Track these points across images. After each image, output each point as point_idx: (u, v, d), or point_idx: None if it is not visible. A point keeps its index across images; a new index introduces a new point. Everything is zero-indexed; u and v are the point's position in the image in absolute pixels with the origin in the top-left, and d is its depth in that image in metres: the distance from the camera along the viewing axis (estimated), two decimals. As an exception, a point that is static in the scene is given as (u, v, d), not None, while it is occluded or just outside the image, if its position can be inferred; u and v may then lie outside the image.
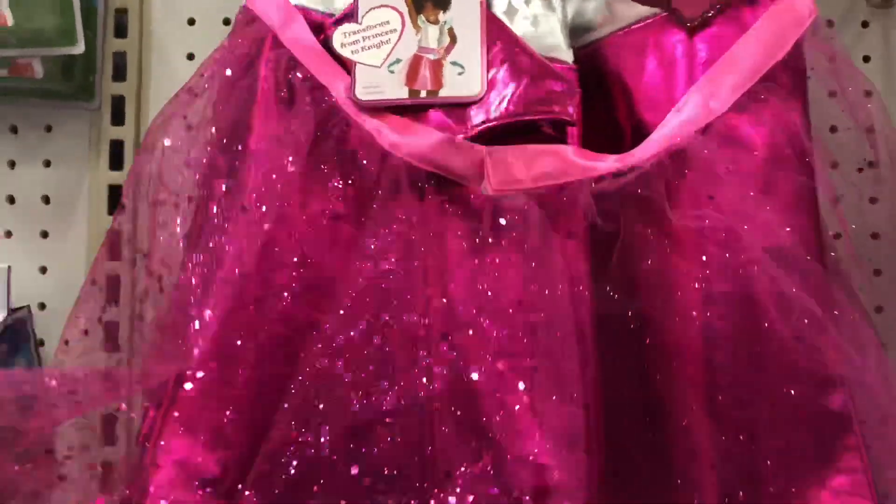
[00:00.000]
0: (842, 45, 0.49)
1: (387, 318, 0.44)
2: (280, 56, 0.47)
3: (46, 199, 0.66)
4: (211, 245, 0.45)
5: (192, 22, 0.67)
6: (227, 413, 0.45)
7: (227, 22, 0.67)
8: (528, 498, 0.43)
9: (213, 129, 0.48)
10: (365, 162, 0.45)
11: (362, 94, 0.45)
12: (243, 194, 0.45)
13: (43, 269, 0.66)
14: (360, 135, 0.45)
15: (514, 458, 0.44)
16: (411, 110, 0.46)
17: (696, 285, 0.43)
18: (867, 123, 0.49)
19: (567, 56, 0.48)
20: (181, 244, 0.47)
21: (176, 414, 0.45)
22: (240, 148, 0.47)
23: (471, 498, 0.43)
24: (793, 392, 0.44)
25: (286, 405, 0.44)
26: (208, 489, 0.45)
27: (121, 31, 0.67)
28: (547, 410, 0.44)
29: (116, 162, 0.66)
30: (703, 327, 0.44)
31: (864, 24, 0.70)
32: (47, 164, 0.67)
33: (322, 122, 0.45)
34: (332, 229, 0.45)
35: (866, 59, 0.69)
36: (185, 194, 0.48)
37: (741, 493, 0.43)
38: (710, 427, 0.44)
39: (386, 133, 0.45)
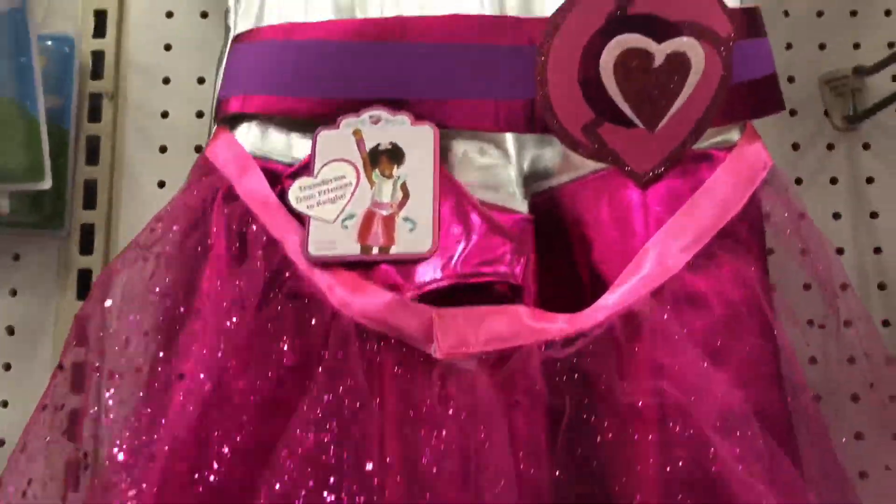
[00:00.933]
0: (799, 198, 0.49)
1: (326, 493, 0.42)
2: (234, 209, 0.47)
3: (11, 330, 0.66)
4: (145, 415, 0.44)
5: (163, 149, 0.68)
6: None
7: (198, 149, 0.68)
8: None
9: (158, 290, 0.47)
10: (314, 321, 0.44)
11: (314, 249, 0.45)
12: (184, 360, 0.44)
13: (4, 403, 0.65)
14: (311, 292, 0.45)
15: None
16: (362, 265, 0.46)
17: (642, 468, 0.42)
18: (831, 281, 0.48)
19: (522, 206, 0.48)
20: (112, 415, 0.46)
21: None
22: (183, 310, 0.46)
23: None
24: None
25: None
26: None
27: (92, 158, 0.68)
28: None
29: (84, 292, 0.66)
30: (658, 494, 0.42)
31: (830, 147, 0.71)
32: (13, 293, 0.66)
33: (272, 278, 0.45)
34: (275, 393, 0.44)
35: (833, 180, 0.70)
36: (123, 360, 0.47)
37: None
38: None
39: (337, 291, 0.44)
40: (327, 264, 0.45)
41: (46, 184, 0.60)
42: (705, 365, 0.42)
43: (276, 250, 0.46)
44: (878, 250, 0.69)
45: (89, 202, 0.67)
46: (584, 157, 0.46)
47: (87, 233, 0.67)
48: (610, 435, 0.42)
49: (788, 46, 0.71)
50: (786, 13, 0.72)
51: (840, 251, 0.69)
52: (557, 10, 0.44)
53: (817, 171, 0.70)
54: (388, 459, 0.43)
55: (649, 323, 0.43)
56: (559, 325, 0.44)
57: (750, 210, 0.46)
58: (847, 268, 0.68)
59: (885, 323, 0.68)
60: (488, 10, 0.50)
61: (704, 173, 0.46)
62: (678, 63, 0.44)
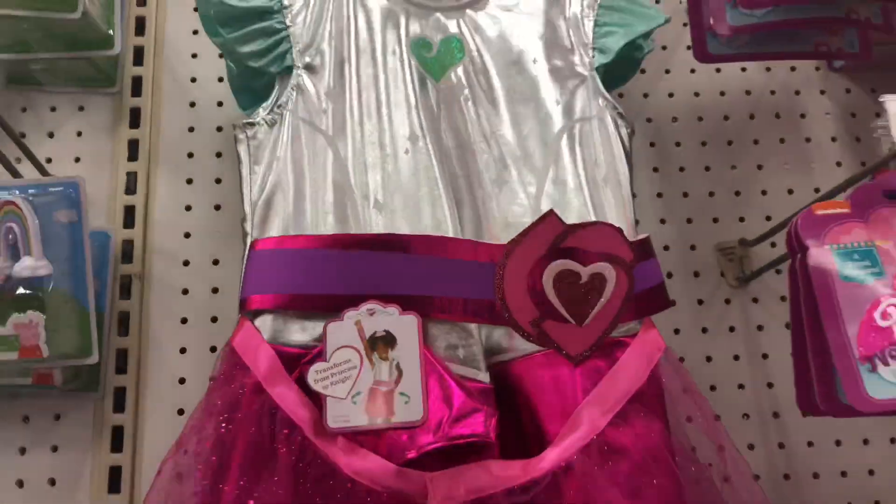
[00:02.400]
0: (687, 372, 0.65)
1: None
2: (263, 402, 0.60)
3: (53, 482, 0.76)
4: None
5: (184, 321, 0.81)
6: None
7: (214, 319, 0.81)
8: None
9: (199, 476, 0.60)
10: (333, 489, 0.57)
11: (332, 422, 0.59)
12: None
13: (52, 544, 0.75)
14: (331, 469, 0.58)
15: None
16: (372, 433, 0.59)
17: None
18: (719, 442, 0.63)
19: (485, 377, 0.62)
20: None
21: None
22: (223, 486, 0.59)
23: None
24: None
25: None
26: None
27: (123, 330, 0.81)
28: None
29: (117, 445, 0.78)
30: None
31: (727, 301, 0.88)
32: (55, 448, 0.77)
33: (299, 457, 0.58)
34: None
35: (731, 328, 0.87)
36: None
37: None
38: None
39: (350, 462, 0.58)
40: (343, 434, 0.59)
41: (94, 359, 0.72)
42: (624, 502, 0.57)
43: (297, 433, 0.59)
44: (770, 385, 0.85)
45: (121, 367, 0.80)
46: (532, 343, 0.61)
47: (120, 394, 0.79)
48: None
49: (689, 221, 0.89)
50: (685, 194, 0.90)
51: (741, 386, 0.85)
52: (512, 240, 0.60)
53: (718, 321, 0.87)
54: None
55: (582, 471, 0.58)
56: (517, 472, 0.58)
57: (652, 381, 0.62)
58: (745, 400, 0.85)
59: (781, 445, 0.84)
60: (450, 225, 0.65)
61: (618, 355, 0.62)
62: (598, 279, 0.60)
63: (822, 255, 0.57)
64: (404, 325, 0.62)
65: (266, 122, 0.69)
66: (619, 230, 0.60)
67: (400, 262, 0.64)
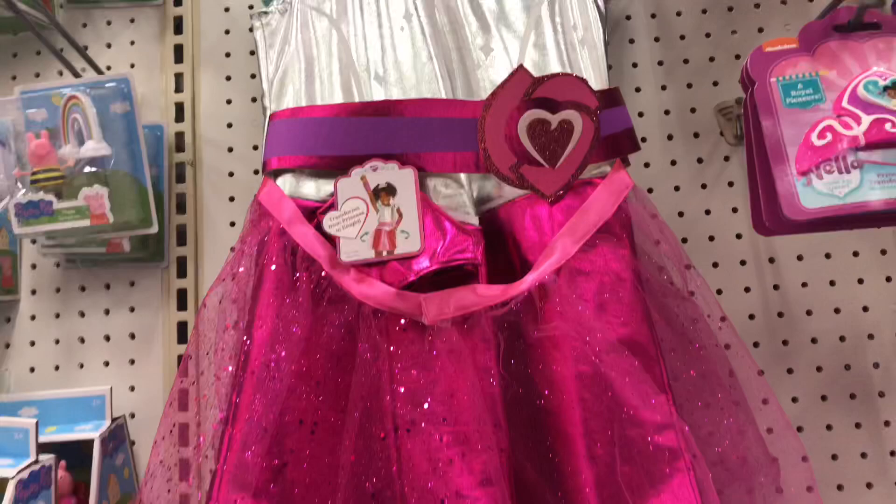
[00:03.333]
0: (652, 204, 0.72)
1: (367, 403, 0.67)
2: (286, 242, 0.71)
3: (133, 336, 0.91)
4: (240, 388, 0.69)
5: (231, 199, 0.93)
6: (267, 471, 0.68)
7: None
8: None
9: (236, 298, 0.72)
10: (347, 310, 0.68)
11: (345, 257, 0.69)
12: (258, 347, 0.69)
13: (132, 388, 0.90)
14: (343, 293, 0.69)
15: (452, 493, 0.66)
16: (377, 264, 0.70)
17: (558, 362, 0.66)
18: (685, 262, 0.71)
19: (474, 220, 0.71)
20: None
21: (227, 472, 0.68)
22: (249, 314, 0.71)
23: None
24: (637, 434, 0.65)
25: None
26: None
27: (181, 209, 0.93)
28: (473, 458, 0.66)
29: (182, 305, 0.91)
30: (575, 394, 0.66)
31: (726, 159, 0.92)
32: (132, 309, 0.92)
33: (317, 286, 0.69)
34: (331, 355, 0.68)
35: (730, 184, 0.92)
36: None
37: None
38: (586, 461, 0.65)
39: (359, 289, 0.69)
40: (354, 266, 0.70)
41: (154, 229, 0.85)
42: (590, 312, 0.66)
43: (316, 266, 0.70)
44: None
45: (181, 240, 0.93)
46: (513, 186, 0.69)
47: (181, 263, 0.92)
48: (534, 357, 0.66)
49: (689, 86, 0.94)
50: (685, 61, 0.95)
51: (739, 236, 0.91)
52: (490, 95, 0.68)
53: (718, 178, 0.93)
54: (401, 389, 0.67)
55: (553, 290, 0.67)
56: (499, 293, 0.68)
57: (620, 214, 0.69)
58: (743, 247, 0.91)
59: (776, 287, 0.90)
60: (444, 93, 0.74)
61: (589, 192, 0.70)
62: (567, 125, 0.67)
63: (768, 87, 0.62)
64: (403, 177, 0.72)
65: (278, 11, 0.78)
66: (584, 80, 0.67)
67: (398, 125, 0.73)
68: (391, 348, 0.68)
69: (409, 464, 0.66)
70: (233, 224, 0.93)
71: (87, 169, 0.80)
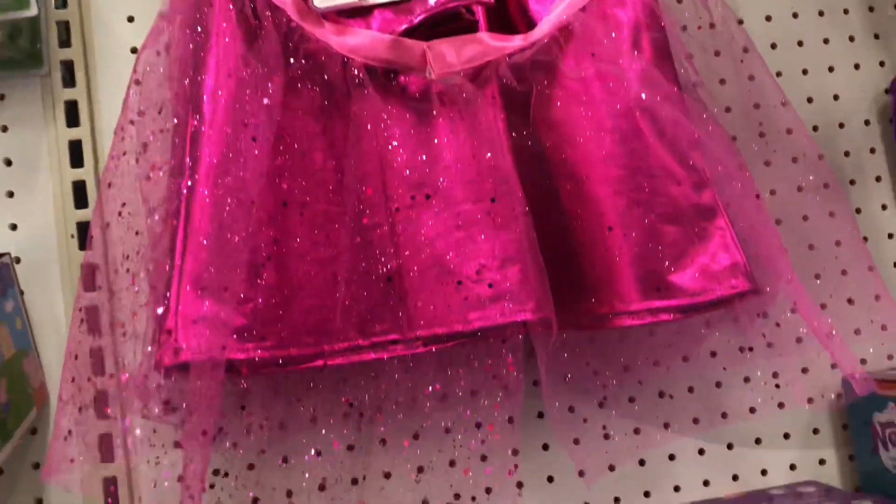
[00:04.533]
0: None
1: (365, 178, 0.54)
2: None
3: (8, 162, 0.71)
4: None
5: (126, -15, 0.75)
6: (235, 272, 0.53)
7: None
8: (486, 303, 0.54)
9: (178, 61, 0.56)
10: (328, 67, 0.55)
11: (320, 2, 0.55)
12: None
13: (13, 227, 0.71)
14: (322, 47, 0.55)
15: (471, 274, 0.55)
16: (360, 12, 0.56)
17: (589, 114, 0.56)
18: None
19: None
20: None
21: (189, 280, 0.53)
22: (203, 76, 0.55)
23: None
24: (678, 192, 0.57)
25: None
26: (236, 337, 0.52)
27: (62, 2, 0.74)
28: (498, 234, 0.55)
29: (73, 120, 0.72)
30: (607, 151, 0.56)
31: None
32: (4, 129, 0.72)
33: (286, 40, 0.55)
34: (308, 126, 0.55)
35: None
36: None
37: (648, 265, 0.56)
38: (619, 226, 0.56)
39: (342, 41, 0.55)
40: (330, 14, 0.56)
41: (33, 11, 0.66)
42: (626, 48, 0.57)
43: (282, 16, 0.56)
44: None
45: (64, 41, 0.73)
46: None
47: (68, 69, 0.73)
48: (558, 103, 0.56)
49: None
50: None
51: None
52: None
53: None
54: (405, 161, 0.55)
55: (581, 28, 0.57)
56: (517, 42, 0.57)
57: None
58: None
59: (751, 77, 0.85)
60: None
61: None
62: None
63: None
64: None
65: None
66: None
67: None
68: (390, 109, 0.55)
69: (421, 243, 0.55)
70: (131, 19, 0.74)
71: None
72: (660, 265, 0.56)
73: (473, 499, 0.56)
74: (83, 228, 0.71)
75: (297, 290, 0.54)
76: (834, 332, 0.58)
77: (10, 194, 0.71)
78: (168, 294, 0.53)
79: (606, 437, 0.68)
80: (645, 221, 0.56)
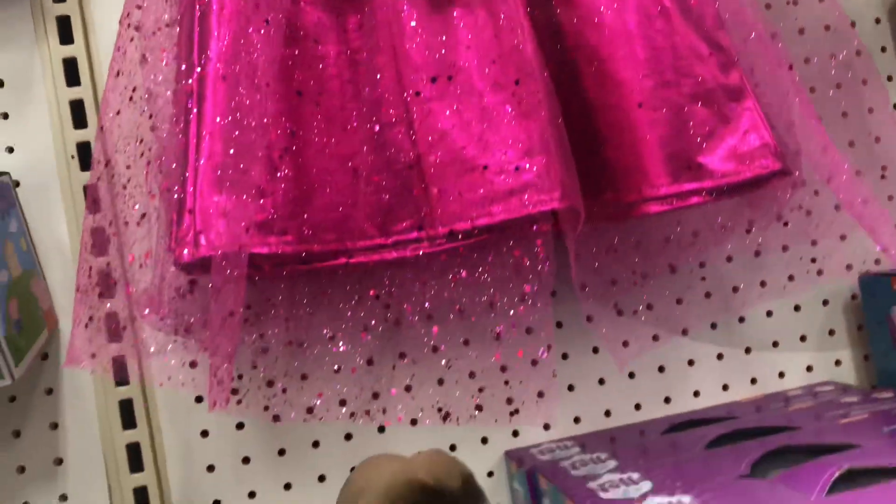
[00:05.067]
0: None
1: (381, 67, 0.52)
2: None
3: (1, 83, 0.69)
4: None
5: None
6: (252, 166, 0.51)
7: None
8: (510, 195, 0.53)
9: None
10: None
11: None
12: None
13: (10, 150, 0.68)
14: None
15: (493, 164, 0.53)
16: None
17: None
18: None
19: None
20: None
21: (206, 173, 0.51)
22: None
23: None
24: (701, 71, 0.56)
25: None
26: (256, 231, 0.51)
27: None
28: (522, 121, 0.54)
29: (67, 38, 0.70)
30: (627, 25, 0.55)
31: None
32: (-7, 50, 0.69)
33: None
34: (321, 17, 0.53)
35: None
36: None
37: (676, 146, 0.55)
38: (648, 106, 0.55)
39: None
40: None
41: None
42: None
43: None
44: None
45: (50, -46, 0.70)
46: None
47: (57, -17, 0.70)
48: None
49: None
50: None
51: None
52: None
53: None
54: (423, 46, 0.53)
55: None
56: None
57: None
58: None
59: (767, 6, 0.83)
60: None
61: None
62: None
63: None
64: None
65: None
66: None
67: None
68: None
69: (441, 134, 0.53)
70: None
71: None
72: (688, 146, 0.55)
73: (506, 383, 0.55)
74: (83, 149, 0.69)
75: (316, 186, 0.52)
76: (869, 201, 0.57)
77: (5, 116, 0.68)
78: (184, 191, 0.51)
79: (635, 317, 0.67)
80: (672, 101, 0.55)
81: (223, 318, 0.47)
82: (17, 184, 0.68)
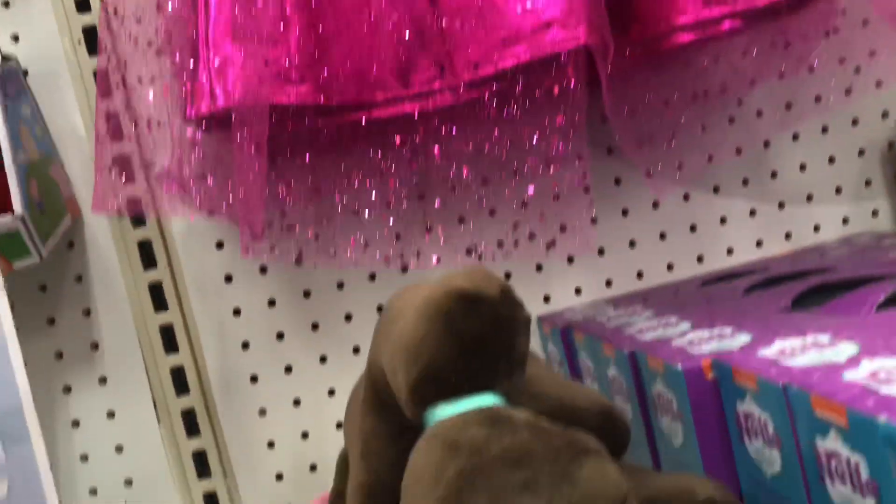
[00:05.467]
0: None
1: None
2: None
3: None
4: None
5: None
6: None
7: None
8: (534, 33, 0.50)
9: None
10: None
11: None
12: None
13: (15, 38, 0.66)
14: None
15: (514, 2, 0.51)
16: None
17: None
18: None
19: None
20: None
21: (218, 26, 0.49)
22: None
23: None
24: None
25: None
26: (274, 80, 0.49)
27: None
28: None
29: None
30: None
31: None
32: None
33: None
34: None
35: None
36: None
37: None
38: None
39: None
40: None
41: None
42: None
43: None
44: None
45: None
46: None
47: None
48: None
49: None
50: None
51: None
52: None
53: None
54: None
55: None
56: None
57: None
58: None
59: None
60: None
61: None
62: None
63: None
64: None
65: None
66: None
67: None
68: None
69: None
70: None
71: None
72: None
73: (542, 214, 0.54)
74: (90, 34, 0.67)
75: (332, 36, 0.50)
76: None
77: (6, 4, 0.67)
78: (196, 52, 0.49)
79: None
80: None
81: (250, 173, 0.46)
82: (25, 73, 0.66)
